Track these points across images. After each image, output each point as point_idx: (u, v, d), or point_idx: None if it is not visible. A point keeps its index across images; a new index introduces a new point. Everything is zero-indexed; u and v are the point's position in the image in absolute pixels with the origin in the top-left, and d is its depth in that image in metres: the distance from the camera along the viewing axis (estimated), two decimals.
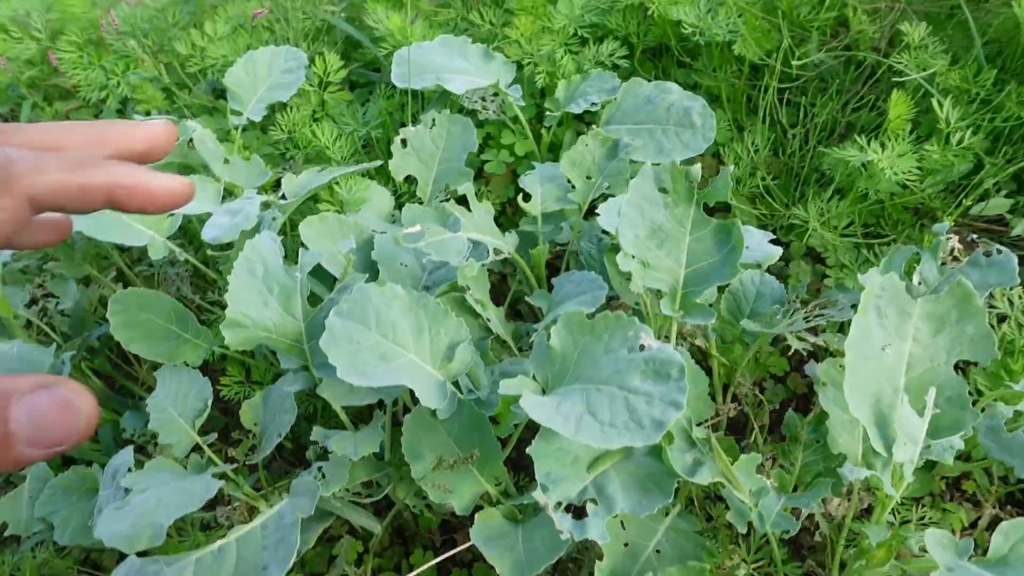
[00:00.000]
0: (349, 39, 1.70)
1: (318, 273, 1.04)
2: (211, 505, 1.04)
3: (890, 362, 0.70)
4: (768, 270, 1.29)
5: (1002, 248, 0.79)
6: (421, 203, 1.25)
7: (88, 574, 1.18)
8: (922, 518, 1.03)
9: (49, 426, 0.35)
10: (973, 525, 1.04)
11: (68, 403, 0.36)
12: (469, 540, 0.91)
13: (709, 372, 1.07)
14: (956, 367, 0.71)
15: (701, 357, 1.10)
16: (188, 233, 1.39)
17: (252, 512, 1.11)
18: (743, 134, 1.38)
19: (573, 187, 1.12)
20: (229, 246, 1.12)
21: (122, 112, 1.82)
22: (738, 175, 1.25)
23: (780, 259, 1.31)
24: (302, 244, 1.02)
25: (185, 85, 1.74)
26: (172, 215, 1.12)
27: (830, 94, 1.35)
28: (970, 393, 0.94)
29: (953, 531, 1.02)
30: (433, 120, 1.24)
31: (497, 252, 1.00)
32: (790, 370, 1.18)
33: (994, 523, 1.03)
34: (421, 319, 0.84)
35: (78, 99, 1.84)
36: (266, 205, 1.12)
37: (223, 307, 1.24)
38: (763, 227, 1.28)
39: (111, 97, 1.68)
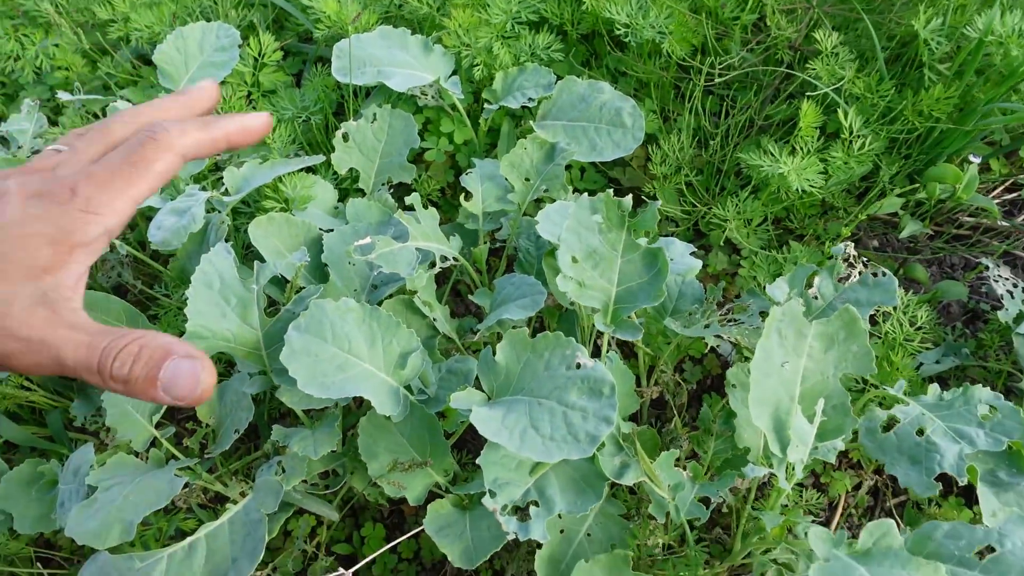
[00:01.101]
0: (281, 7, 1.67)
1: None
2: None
3: (788, 376, 0.81)
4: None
5: (886, 271, 0.91)
6: (363, 194, 1.29)
7: (45, 554, 1.22)
8: (816, 485, 1.19)
9: (181, 386, 0.51)
10: (857, 487, 1.20)
11: (198, 375, 0.52)
12: (415, 511, 0.99)
13: (635, 356, 1.18)
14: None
15: (629, 347, 1.21)
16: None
17: (207, 494, 1.18)
18: (671, 123, 1.46)
19: (512, 188, 1.18)
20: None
21: (39, 76, 1.74)
22: (665, 172, 1.34)
23: (700, 247, 1.42)
24: (248, 245, 1.05)
25: (106, 51, 1.68)
26: None
27: (752, 90, 1.44)
28: (857, 383, 1.08)
29: (839, 495, 1.18)
30: (374, 115, 1.26)
31: (443, 259, 1.06)
32: (707, 352, 1.31)
33: (872, 488, 1.20)
34: (374, 330, 0.91)
35: None
36: (209, 204, 1.14)
37: (168, 302, 1.27)
38: (687, 216, 1.39)
39: (27, 67, 1.61)
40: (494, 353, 0.85)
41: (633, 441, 0.82)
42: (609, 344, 0.95)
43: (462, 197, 1.19)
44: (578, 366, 0.80)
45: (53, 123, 1.62)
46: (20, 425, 1.29)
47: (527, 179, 1.18)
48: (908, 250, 1.39)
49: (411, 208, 1.07)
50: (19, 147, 1.44)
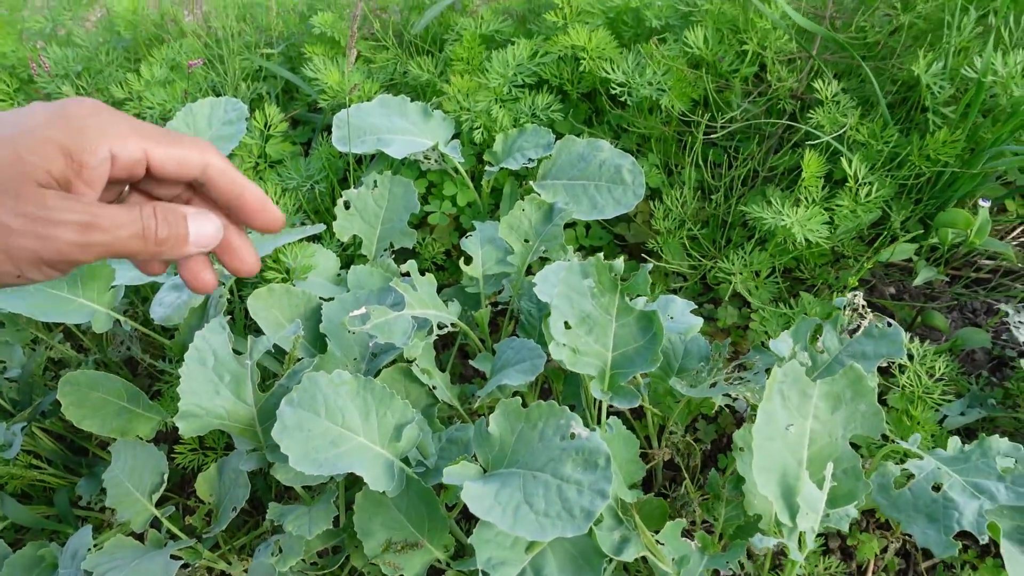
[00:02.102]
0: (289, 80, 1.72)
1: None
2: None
3: (793, 439, 0.78)
4: (699, 311, 1.38)
5: (892, 322, 0.88)
6: (366, 261, 1.29)
7: None
8: (842, 548, 1.13)
9: (205, 234, 0.62)
10: (885, 550, 1.14)
11: (216, 222, 0.63)
12: None
13: (644, 416, 1.15)
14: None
15: (638, 408, 1.18)
16: (138, 295, 1.41)
17: (212, 573, 1.15)
18: (675, 176, 1.46)
19: (512, 250, 1.18)
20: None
21: None
22: (669, 226, 1.33)
23: (709, 301, 1.40)
24: (247, 316, 1.05)
25: None
26: (113, 287, 1.14)
27: (754, 141, 1.44)
28: (883, 437, 1.03)
29: (867, 559, 1.12)
30: (375, 182, 1.28)
31: (441, 326, 1.05)
32: (721, 408, 1.26)
33: (901, 550, 1.14)
34: (368, 403, 0.89)
35: None
36: None
37: (174, 375, 1.27)
38: (694, 271, 1.36)
39: None
40: (487, 425, 0.83)
41: (632, 515, 0.79)
42: (609, 410, 0.92)
43: (461, 261, 1.18)
44: (573, 436, 0.77)
45: None
46: (30, 505, 1.29)
47: (526, 240, 1.17)
48: (926, 296, 1.35)
49: (407, 275, 1.06)
50: None
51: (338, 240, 1.35)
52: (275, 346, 1.06)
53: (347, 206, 1.26)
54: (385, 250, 1.27)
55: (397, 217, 1.26)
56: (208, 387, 0.90)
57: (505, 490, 0.76)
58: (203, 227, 0.62)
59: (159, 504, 1.06)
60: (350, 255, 1.40)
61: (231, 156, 1.53)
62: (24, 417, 1.23)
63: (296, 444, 0.83)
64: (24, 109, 0.57)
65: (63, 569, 0.99)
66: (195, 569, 1.09)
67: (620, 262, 0.88)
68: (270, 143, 1.51)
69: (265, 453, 0.93)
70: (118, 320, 1.12)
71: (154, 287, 1.21)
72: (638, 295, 0.90)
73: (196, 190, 0.64)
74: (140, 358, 1.36)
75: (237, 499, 0.99)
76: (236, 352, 0.96)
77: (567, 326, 0.88)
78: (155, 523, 1.05)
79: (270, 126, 1.50)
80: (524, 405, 0.83)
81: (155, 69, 1.69)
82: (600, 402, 0.96)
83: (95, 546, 0.95)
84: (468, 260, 1.19)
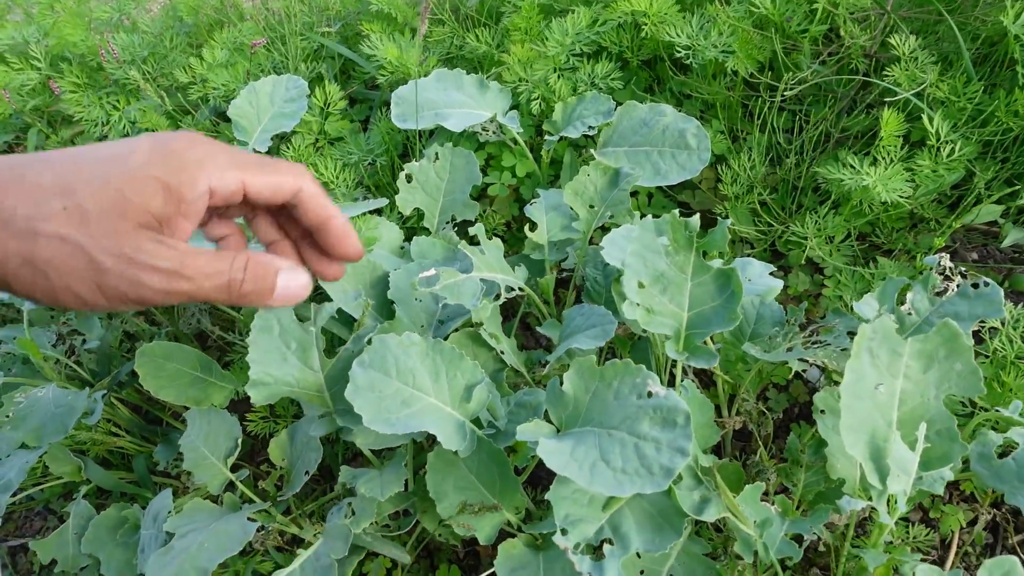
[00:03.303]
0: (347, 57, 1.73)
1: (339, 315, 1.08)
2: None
3: (883, 399, 0.74)
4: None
5: (988, 280, 0.83)
6: (428, 233, 1.29)
7: None
8: (924, 520, 1.09)
9: (290, 290, 0.63)
10: (973, 523, 1.09)
11: (302, 282, 0.64)
12: (490, 551, 0.96)
13: (714, 385, 1.12)
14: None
15: (707, 375, 1.15)
16: None
17: (284, 537, 1.17)
18: (740, 143, 1.41)
19: (577, 216, 1.16)
20: None
21: (128, 136, 1.85)
22: (736, 191, 1.29)
23: (779, 268, 1.35)
24: (320, 288, 1.06)
25: (188, 111, 1.77)
26: None
27: (826, 103, 1.38)
28: (965, 406, 0.99)
29: (952, 532, 1.08)
30: (436, 154, 1.27)
31: (509, 289, 1.04)
32: (792, 378, 1.23)
33: (990, 523, 1.09)
34: (438, 364, 0.89)
35: (82, 125, 1.87)
36: None
37: (244, 346, 1.29)
38: (763, 237, 1.32)
39: (113, 131, 1.72)
40: (561, 383, 0.82)
41: (713, 474, 0.77)
42: (684, 372, 0.90)
43: (527, 228, 1.17)
44: (649, 395, 0.75)
45: None
46: (109, 471, 1.34)
47: (591, 206, 1.15)
48: (1013, 260, 1.28)
49: (475, 240, 1.05)
50: None
51: (399, 213, 1.35)
52: (342, 313, 1.06)
53: (409, 179, 1.26)
54: (447, 223, 1.27)
55: (459, 189, 1.26)
56: (276, 355, 0.91)
57: (580, 447, 0.74)
58: (291, 283, 0.63)
59: (233, 469, 1.08)
60: (412, 228, 1.40)
61: (293, 133, 1.54)
62: (104, 385, 1.28)
63: (368, 404, 0.83)
64: (129, 143, 0.58)
65: (145, 530, 1.02)
66: (268, 532, 1.11)
67: (696, 219, 0.85)
68: (329, 120, 1.52)
69: (335, 417, 0.93)
70: None
71: None
72: (714, 254, 0.87)
73: (279, 211, 0.67)
74: (209, 330, 1.39)
75: (309, 463, 1.01)
76: (301, 319, 0.97)
77: (640, 286, 0.85)
78: (230, 487, 1.08)
79: (329, 103, 1.51)
80: (600, 363, 0.81)
81: (217, 52, 1.72)
82: (674, 365, 0.94)
83: (175, 509, 0.98)
84: (533, 227, 1.18)
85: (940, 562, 1.07)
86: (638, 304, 0.84)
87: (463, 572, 1.19)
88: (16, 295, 0.57)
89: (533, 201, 1.19)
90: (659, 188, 1.45)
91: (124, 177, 0.56)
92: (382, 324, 1.10)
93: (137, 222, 0.56)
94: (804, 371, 1.23)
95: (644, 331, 0.86)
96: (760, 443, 1.05)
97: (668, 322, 0.86)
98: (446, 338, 1.02)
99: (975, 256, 1.32)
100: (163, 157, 0.57)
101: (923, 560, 1.05)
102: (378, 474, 0.93)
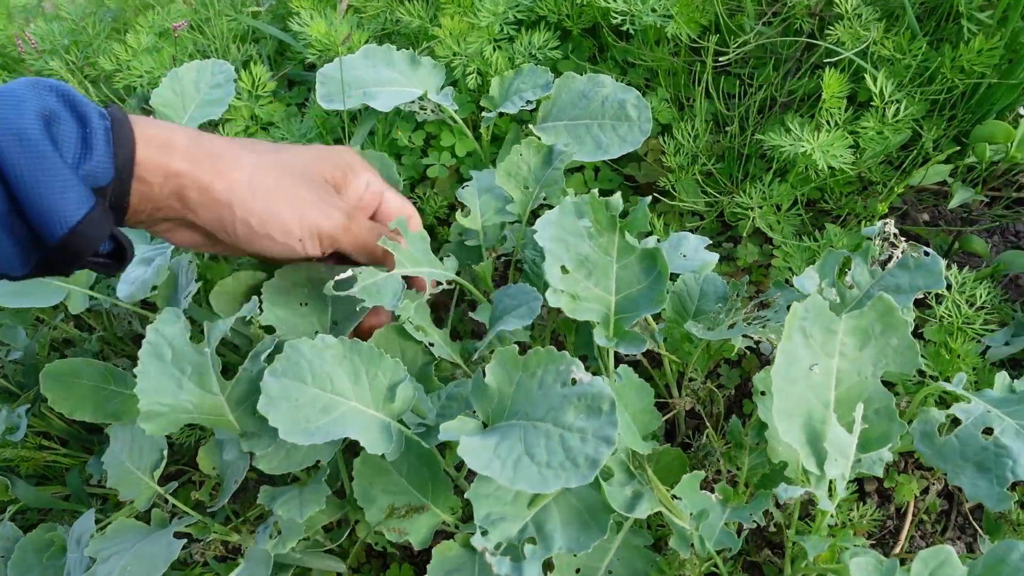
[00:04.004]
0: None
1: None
2: (187, 543, 1.05)
3: (818, 380, 0.71)
4: (718, 250, 1.30)
5: (928, 250, 0.80)
6: None
7: None
8: (880, 491, 1.07)
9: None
10: (925, 491, 1.07)
11: None
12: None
13: (662, 364, 1.09)
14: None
15: (655, 355, 1.11)
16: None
17: (228, 545, 1.13)
18: (687, 111, 1.36)
19: (511, 198, 1.11)
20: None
21: None
22: (680, 162, 1.25)
23: (728, 239, 1.32)
24: (209, 307, 1.00)
25: (116, 100, 1.69)
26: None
27: (771, 66, 1.33)
28: (914, 378, 0.96)
29: (907, 502, 1.06)
30: None
31: (437, 283, 0.99)
32: (745, 352, 1.20)
33: (943, 491, 1.07)
34: (357, 365, 0.84)
35: None
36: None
37: None
38: (711, 208, 1.28)
39: None
40: (484, 375, 0.77)
41: (644, 467, 0.73)
42: (626, 359, 0.86)
43: (458, 213, 1.12)
44: (574, 382, 0.71)
45: None
46: (48, 486, 1.28)
47: (526, 187, 1.10)
48: (963, 220, 1.25)
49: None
50: None
51: None
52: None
53: None
54: None
55: None
56: (170, 382, 0.84)
57: (505, 443, 0.70)
58: None
59: (162, 481, 1.03)
60: None
61: (224, 121, 1.47)
62: (28, 399, 1.22)
63: (284, 415, 0.78)
64: (298, 146, 0.87)
65: (71, 554, 0.97)
66: (210, 543, 1.07)
67: (618, 198, 0.81)
68: (260, 104, 1.45)
69: (243, 441, 0.88)
70: (95, 298, 1.08)
71: None
72: (641, 232, 0.83)
73: None
74: (141, 332, 1.33)
75: (238, 472, 0.96)
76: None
77: (564, 271, 0.81)
78: (161, 502, 1.03)
79: (257, 86, 1.43)
80: (523, 352, 0.77)
81: (142, 37, 1.63)
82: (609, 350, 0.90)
83: (99, 529, 0.93)
84: (465, 211, 1.12)
85: (896, 532, 1.05)
86: (562, 291, 0.80)
87: (417, 568, 1.16)
88: (227, 232, 0.77)
89: (465, 184, 1.14)
90: (605, 162, 1.40)
91: (307, 156, 0.85)
92: (273, 337, 1.04)
93: (324, 178, 0.84)
94: (757, 344, 1.20)
95: (571, 319, 0.82)
96: (709, 424, 1.02)
97: (595, 307, 0.82)
98: (370, 335, 0.97)
99: (926, 217, 1.29)
100: (333, 152, 0.89)
101: (871, 538, 1.03)
102: (298, 493, 0.88)
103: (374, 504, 0.84)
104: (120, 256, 0.74)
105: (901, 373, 0.71)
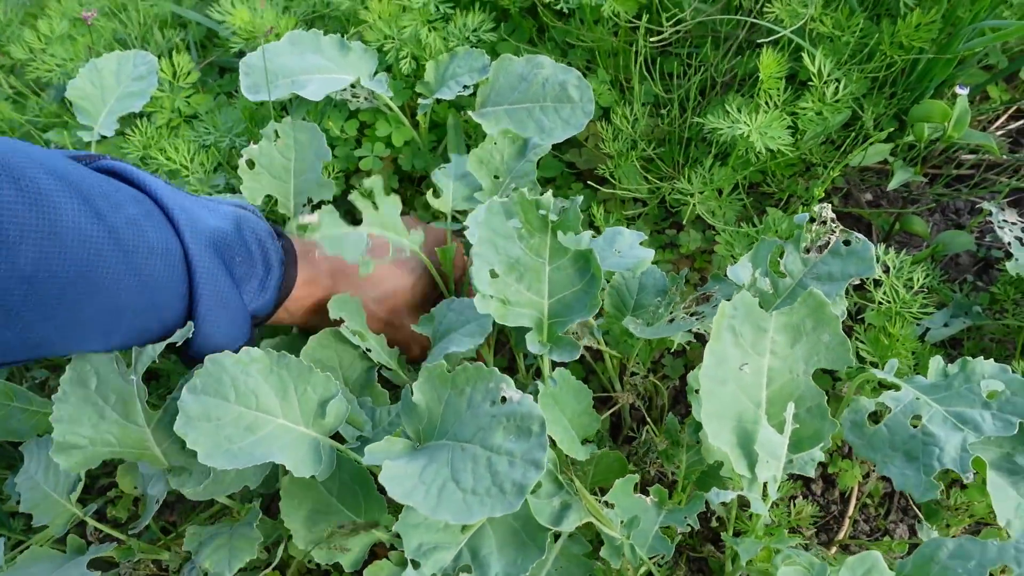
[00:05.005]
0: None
1: None
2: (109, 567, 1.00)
3: (749, 380, 0.69)
4: (660, 237, 1.27)
5: (859, 236, 0.78)
6: (287, 220, 1.18)
7: None
8: (824, 477, 1.07)
9: None
10: (867, 476, 1.07)
11: None
12: None
13: (602, 358, 1.06)
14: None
15: (594, 352, 1.09)
16: None
17: (160, 563, 1.09)
18: (628, 94, 1.33)
19: (480, 187, 1.06)
20: None
21: None
22: (619, 148, 1.21)
23: (672, 226, 1.29)
24: None
25: (33, 92, 1.60)
26: None
27: (710, 45, 1.30)
28: (859, 360, 0.95)
29: (849, 488, 1.05)
30: (276, 132, 1.13)
31: (399, 251, 0.95)
32: (691, 340, 1.18)
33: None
34: (284, 379, 0.80)
35: None
36: None
37: None
38: (653, 193, 1.25)
39: None
40: (412, 393, 0.74)
41: (571, 477, 0.71)
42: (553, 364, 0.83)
43: (429, 194, 1.07)
44: (504, 400, 0.68)
45: None
46: None
47: (496, 176, 1.06)
48: (905, 200, 1.24)
49: (370, 195, 0.96)
50: None
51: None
52: None
53: (251, 165, 1.13)
54: (303, 206, 1.15)
55: (308, 167, 1.13)
56: (91, 411, 0.78)
57: (432, 466, 0.67)
58: None
59: (82, 502, 0.98)
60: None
61: (142, 114, 1.39)
62: None
63: (204, 436, 0.74)
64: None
65: None
66: (138, 563, 1.03)
67: (549, 197, 0.77)
68: (181, 96, 1.38)
69: (168, 478, 0.83)
70: None
71: None
72: (572, 231, 0.79)
73: None
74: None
75: (159, 491, 0.91)
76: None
77: (493, 275, 0.77)
78: (80, 526, 0.98)
79: (179, 77, 1.36)
80: (450, 370, 0.73)
81: (55, 23, 1.54)
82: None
83: (10, 560, 0.88)
84: (437, 194, 1.08)
85: (840, 517, 1.05)
86: (491, 296, 0.76)
87: None
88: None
89: (442, 166, 1.09)
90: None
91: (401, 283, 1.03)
92: None
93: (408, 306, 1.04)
94: (706, 332, 1.18)
95: (501, 326, 0.78)
96: (650, 420, 1.00)
97: (528, 312, 0.78)
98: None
99: (869, 197, 1.28)
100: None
101: (821, 519, 1.03)
102: (228, 539, 0.83)
103: (303, 525, 0.81)
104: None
105: (833, 369, 0.69)
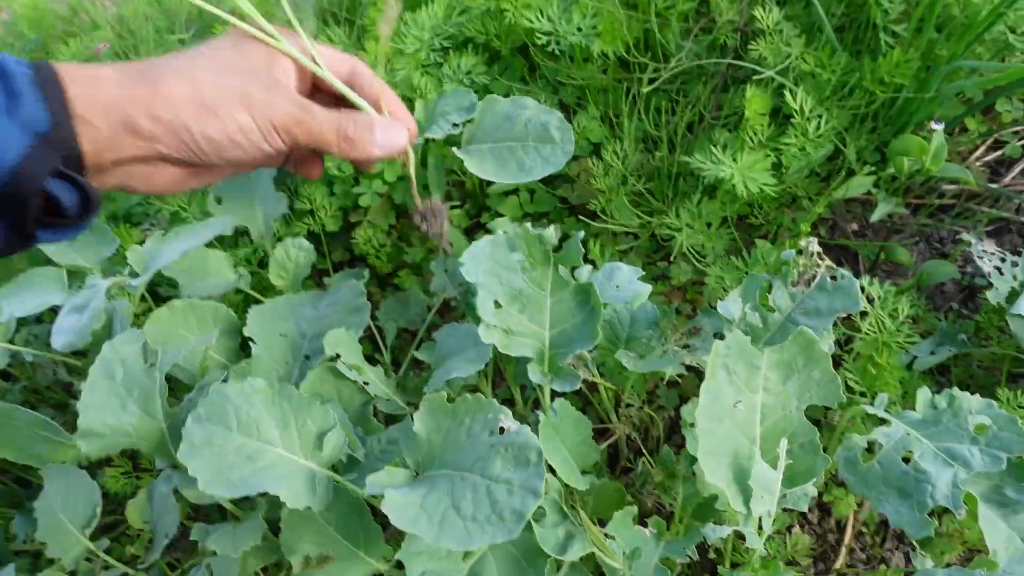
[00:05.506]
0: None
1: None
2: None
3: (743, 417, 0.71)
4: (652, 269, 1.30)
5: (845, 272, 0.81)
6: (255, 248, 1.20)
7: None
8: (819, 505, 1.08)
9: (390, 140, 0.81)
10: (861, 504, 1.09)
11: (399, 133, 0.83)
12: None
13: (598, 390, 1.08)
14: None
15: (590, 383, 1.11)
16: (39, 323, 1.31)
17: None
18: (618, 129, 1.36)
19: None
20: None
21: None
22: (610, 184, 1.24)
23: (663, 258, 1.32)
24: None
25: None
26: (2, 323, 1.06)
27: (699, 83, 1.34)
28: (848, 390, 0.97)
29: (845, 516, 1.07)
30: None
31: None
32: (682, 373, 1.20)
33: None
34: (286, 411, 0.82)
35: None
36: (118, 288, 1.06)
37: None
38: (644, 228, 1.28)
39: None
40: (413, 423, 0.76)
41: (576, 507, 0.72)
42: (552, 394, 0.85)
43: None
44: (502, 431, 0.70)
45: None
46: None
47: None
48: (889, 230, 1.27)
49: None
50: None
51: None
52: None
53: (219, 201, 1.16)
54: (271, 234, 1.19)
55: (270, 192, 1.18)
56: (114, 402, 0.82)
57: (432, 495, 0.69)
58: (390, 133, 0.80)
59: (94, 537, 0.99)
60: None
61: None
62: None
63: (206, 464, 0.76)
64: (214, 41, 0.76)
65: None
66: None
67: (551, 231, 0.80)
68: None
69: (171, 475, 0.85)
70: (20, 352, 1.04)
71: (52, 315, 1.12)
72: (574, 266, 0.82)
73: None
74: (67, 380, 1.28)
75: (168, 526, 0.93)
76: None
77: (497, 306, 0.80)
78: (90, 559, 0.99)
79: None
80: (450, 400, 0.76)
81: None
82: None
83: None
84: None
85: (837, 545, 1.07)
86: (495, 326, 0.79)
87: None
88: (195, 152, 0.71)
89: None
90: (541, 183, 1.39)
91: (231, 42, 0.76)
92: (237, 365, 1.02)
93: (255, 67, 0.74)
94: (698, 364, 1.20)
95: (505, 355, 0.81)
96: (645, 451, 1.02)
97: (530, 343, 0.81)
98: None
99: (855, 226, 1.31)
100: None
101: (818, 548, 1.04)
102: (231, 529, 0.85)
103: (301, 555, 0.82)
104: (87, 207, 0.67)
105: (824, 406, 0.71)
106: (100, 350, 1.08)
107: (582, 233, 0.82)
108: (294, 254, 1.12)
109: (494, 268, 0.82)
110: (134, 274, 1.03)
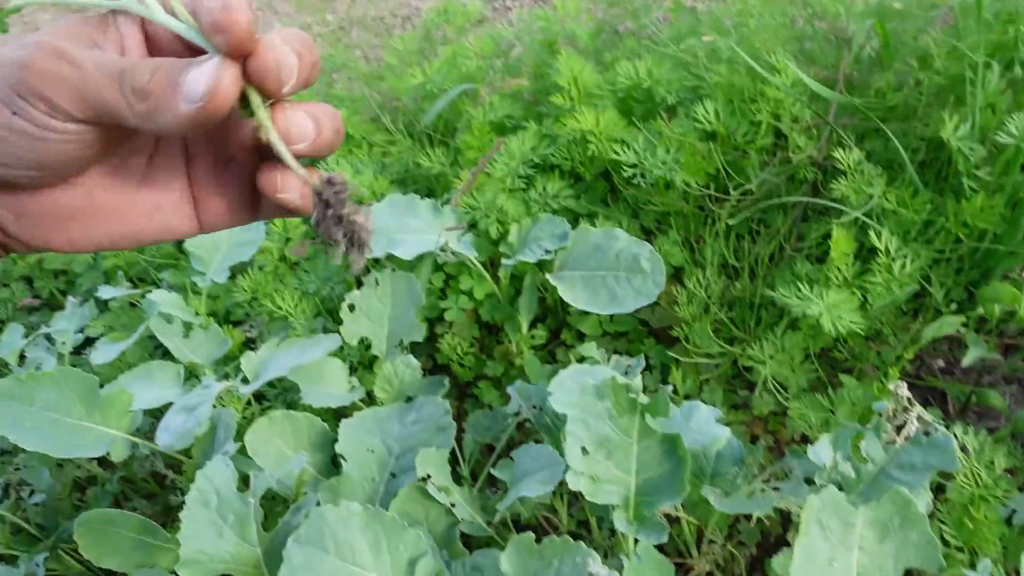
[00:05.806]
0: None
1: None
2: None
3: (839, 574, 0.70)
4: (732, 397, 1.31)
5: (940, 427, 0.80)
6: (377, 360, 1.26)
7: None
8: None
9: (206, 86, 0.43)
10: None
11: (218, 71, 0.43)
12: None
13: (678, 521, 1.08)
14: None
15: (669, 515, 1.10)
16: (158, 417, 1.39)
17: None
18: (698, 255, 1.40)
19: None
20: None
21: (94, 263, 1.83)
22: (693, 312, 1.27)
23: (745, 387, 1.32)
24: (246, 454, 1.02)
25: None
26: (131, 411, 1.13)
27: (778, 212, 1.38)
28: (944, 543, 0.94)
29: None
30: (376, 280, 1.26)
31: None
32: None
33: None
34: (379, 535, 0.85)
35: None
36: (228, 393, 1.13)
37: None
38: (725, 356, 1.30)
39: (78, 256, 1.70)
40: (500, 563, 0.78)
41: None
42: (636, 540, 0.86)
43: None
44: (591, 575, 0.72)
45: (103, 310, 1.69)
46: None
47: None
48: (981, 372, 1.25)
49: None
50: (63, 343, 1.49)
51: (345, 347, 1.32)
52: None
53: (352, 309, 1.24)
54: (396, 346, 1.24)
55: (403, 313, 1.24)
56: (211, 530, 0.86)
57: None
58: (204, 74, 0.43)
59: None
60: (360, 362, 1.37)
61: (251, 262, 1.53)
62: (47, 546, 1.22)
63: None
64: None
65: None
66: None
67: (638, 382, 0.83)
68: (288, 245, 1.51)
69: None
70: (136, 444, 1.10)
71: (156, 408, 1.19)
72: (661, 415, 0.84)
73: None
74: (163, 472, 1.35)
75: None
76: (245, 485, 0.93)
77: (584, 452, 0.82)
78: None
79: (288, 229, 1.50)
80: (538, 540, 0.77)
81: None
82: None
83: None
84: None
85: None
86: (582, 473, 0.81)
87: None
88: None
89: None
90: None
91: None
92: (327, 481, 1.06)
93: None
94: (787, 509, 1.18)
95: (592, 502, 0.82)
96: None
97: (616, 490, 0.82)
98: (396, 495, 0.98)
99: (941, 364, 1.29)
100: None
101: None
102: None
103: None
104: None
105: (923, 569, 0.70)
106: (200, 452, 1.15)
107: (670, 388, 0.85)
108: (401, 371, 1.18)
109: (582, 415, 0.85)
110: (245, 380, 1.10)
